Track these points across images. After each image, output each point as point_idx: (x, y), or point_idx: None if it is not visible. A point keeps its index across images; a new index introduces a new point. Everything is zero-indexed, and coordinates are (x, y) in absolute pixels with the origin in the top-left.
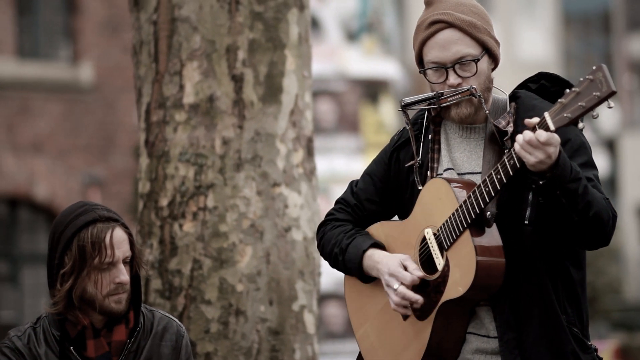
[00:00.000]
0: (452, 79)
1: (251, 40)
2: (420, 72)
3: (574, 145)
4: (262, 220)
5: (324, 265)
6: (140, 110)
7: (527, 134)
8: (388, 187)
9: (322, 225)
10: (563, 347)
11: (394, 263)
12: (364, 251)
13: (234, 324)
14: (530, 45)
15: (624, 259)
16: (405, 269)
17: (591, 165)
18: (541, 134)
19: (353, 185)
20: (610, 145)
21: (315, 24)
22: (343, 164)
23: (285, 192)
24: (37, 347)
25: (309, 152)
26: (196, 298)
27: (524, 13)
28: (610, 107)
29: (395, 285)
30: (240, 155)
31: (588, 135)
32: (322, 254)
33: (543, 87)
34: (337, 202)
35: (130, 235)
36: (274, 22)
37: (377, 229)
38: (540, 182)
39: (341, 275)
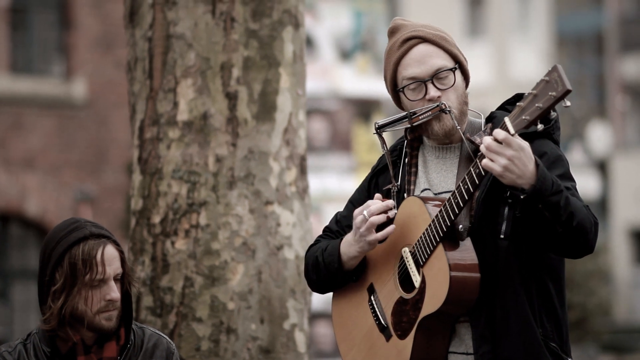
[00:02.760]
0: (432, 92)
1: (246, 58)
2: (398, 91)
3: (550, 158)
4: (254, 238)
5: None
6: (134, 126)
7: (486, 139)
8: None
9: (307, 251)
10: None
11: (353, 213)
12: (340, 242)
13: (224, 342)
14: (524, 65)
15: (614, 281)
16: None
17: (568, 177)
18: (499, 133)
19: (338, 215)
20: (602, 167)
21: (308, 42)
22: (335, 183)
23: (278, 211)
24: None
25: (302, 171)
26: (187, 315)
27: (518, 33)
28: (566, 106)
29: (363, 213)
30: (233, 173)
31: (579, 156)
32: (306, 273)
33: None
34: (323, 230)
35: (121, 252)
36: (268, 39)
37: None
38: (522, 197)
39: (331, 295)
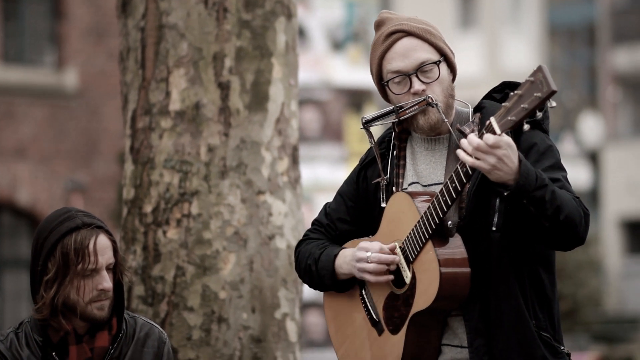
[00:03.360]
0: (417, 85)
1: (238, 48)
2: (383, 84)
3: (540, 149)
4: (246, 227)
5: None
6: (126, 116)
7: (474, 140)
8: (358, 206)
9: (297, 245)
10: (533, 353)
11: (361, 242)
12: (335, 255)
13: (216, 331)
14: (515, 56)
15: (605, 272)
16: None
17: (558, 167)
18: (488, 138)
19: (327, 206)
20: (594, 158)
21: (300, 32)
22: (327, 173)
23: (270, 200)
24: (20, 351)
25: (294, 161)
26: (179, 305)
27: (509, 24)
28: (552, 107)
29: (366, 254)
30: (225, 162)
31: (571, 147)
32: (298, 273)
33: (507, 96)
34: (312, 223)
35: (113, 242)
36: (261, 30)
37: (350, 247)
38: (505, 194)
39: None
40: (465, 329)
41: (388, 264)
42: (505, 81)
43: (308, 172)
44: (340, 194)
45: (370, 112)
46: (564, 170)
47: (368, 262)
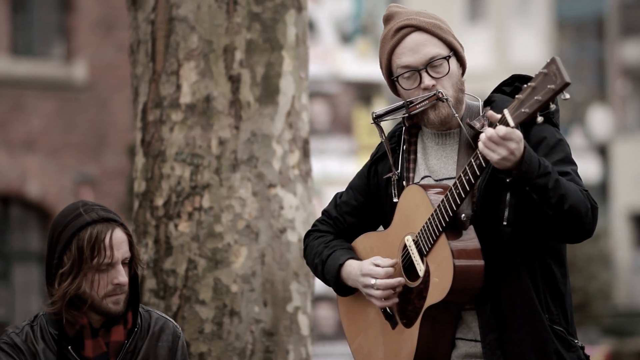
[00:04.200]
0: (427, 81)
1: (248, 41)
2: (393, 79)
3: (549, 143)
4: (258, 221)
5: None
6: (137, 109)
7: (488, 130)
8: (369, 200)
9: (306, 236)
10: (546, 347)
11: (365, 264)
12: (341, 265)
13: (228, 324)
14: (524, 49)
15: (615, 265)
16: (377, 266)
17: (568, 161)
18: (500, 129)
19: (337, 197)
20: (602, 151)
21: (309, 25)
22: (336, 166)
23: (281, 194)
24: (35, 344)
25: (305, 154)
26: (190, 298)
27: (518, 17)
28: (565, 99)
29: (372, 281)
30: (236, 155)
31: (580, 141)
32: (307, 264)
33: (517, 89)
34: (322, 213)
35: (129, 236)
36: (271, 23)
37: (362, 241)
38: (507, 180)
39: None
40: (478, 323)
41: (394, 288)
42: (515, 74)
43: (317, 165)
44: (351, 187)
45: (379, 105)
46: (574, 164)
47: (375, 290)
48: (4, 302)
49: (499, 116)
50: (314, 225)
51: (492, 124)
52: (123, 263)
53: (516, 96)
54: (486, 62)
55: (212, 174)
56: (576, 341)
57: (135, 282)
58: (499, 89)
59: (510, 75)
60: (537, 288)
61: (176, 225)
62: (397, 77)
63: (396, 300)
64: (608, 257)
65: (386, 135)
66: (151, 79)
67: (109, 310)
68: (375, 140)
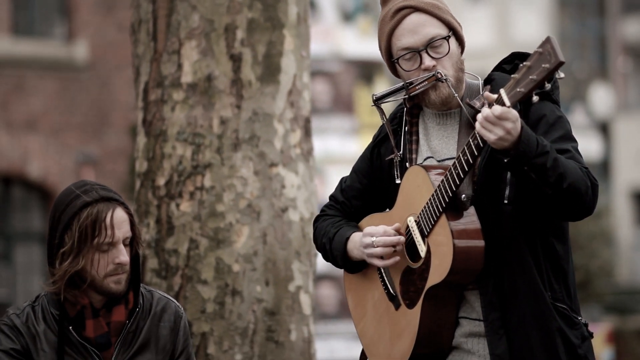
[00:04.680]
0: (427, 62)
1: (250, 20)
2: (393, 61)
3: (549, 120)
4: (259, 200)
5: None
6: (138, 89)
7: (484, 110)
8: (373, 183)
9: (315, 221)
10: (549, 325)
11: (366, 228)
12: (347, 238)
13: (230, 304)
14: (525, 27)
15: (616, 243)
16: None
17: (569, 138)
18: (496, 109)
19: (342, 182)
20: (604, 129)
21: (310, 4)
22: (337, 145)
23: (283, 173)
24: (35, 326)
25: (307, 133)
26: (192, 278)
27: None
28: (560, 78)
29: (371, 239)
30: (237, 135)
31: (581, 118)
32: (317, 248)
33: (517, 67)
34: (329, 198)
35: (130, 215)
36: (272, 1)
37: (367, 222)
38: (505, 160)
39: None
40: (480, 303)
41: (394, 246)
42: (514, 52)
43: (319, 144)
44: (355, 171)
45: (381, 84)
46: (574, 141)
47: (374, 247)
48: (5, 283)
49: (495, 96)
50: (322, 210)
51: (489, 104)
52: (124, 243)
53: (512, 75)
54: (487, 40)
55: (213, 153)
56: (579, 318)
57: (136, 261)
58: (499, 67)
59: (510, 52)
60: (539, 266)
61: (178, 205)
62: (398, 59)
63: (397, 258)
64: (609, 234)
65: (387, 117)
66: (152, 58)
67: (110, 289)
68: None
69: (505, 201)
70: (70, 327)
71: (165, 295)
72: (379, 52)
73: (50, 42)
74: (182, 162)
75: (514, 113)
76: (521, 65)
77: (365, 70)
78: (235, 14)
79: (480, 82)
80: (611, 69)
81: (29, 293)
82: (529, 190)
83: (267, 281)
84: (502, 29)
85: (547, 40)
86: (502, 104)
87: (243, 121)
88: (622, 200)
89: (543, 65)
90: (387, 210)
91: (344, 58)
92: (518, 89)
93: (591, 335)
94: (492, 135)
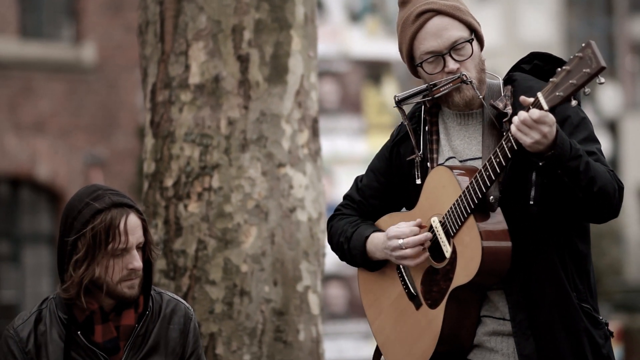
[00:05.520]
0: (451, 65)
1: (257, 21)
2: (417, 66)
3: (573, 122)
4: (267, 200)
5: (328, 246)
6: (146, 90)
7: (522, 114)
8: (391, 182)
9: (330, 220)
10: (576, 326)
11: (390, 229)
12: (366, 237)
13: (238, 304)
14: (533, 26)
15: (625, 241)
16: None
17: (593, 139)
18: (534, 112)
19: (358, 181)
20: (612, 127)
21: (318, 4)
22: (345, 145)
23: (291, 173)
24: (42, 331)
25: (314, 133)
26: (201, 278)
27: None
28: (601, 83)
29: (399, 242)
30: (245, 135)
31: (589, 116)
32: (332, 248)
33: (536, 67)
34: (344, 197)
35: (143, 220)
36: (279, 2)
37: (386, 221)
38: (540, 163)
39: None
40: (506, 303)
41: (422, 243)
42: (533, 52)
43: (327, 144)
44: (372, 170)
45: (388, 84)
46: (597, 142)
47: (403, 249)
48: (14, 285)
49: (531, 100)
50: (337, 209)
51: (526, 107)
52: (137, 247)
53: (550, 79)
54: (495, 39)
55: (221, 154)
56: (601, 318)
57: (148, 266)
58: (517, 67)
59: (519, 51)
60: (564, 266)
61: (186, 206)
62: (421, 63)
63: (427, 254)
64: (618, 232)
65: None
66: (160, 59)
67: (124, 294)
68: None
69: (531, 202)
70: (79, 332)
71: (175, 296)
72: (386, 52)
73: (58, 44)
74: (189, 163)
75: (551, 117)
76: (559, 69)
77: (373, 71)
78: (242, 15)
79: (500, 81)
80: (619, 67)
81: (37, 295)
82: (559, 193)
83: (275, 281)
84: (509, 28)
85: (588, 45)
86: (540, 107)
87: (251, 122)
88: (631, 199)
89: (584, 70)
90: (404, 209)
91: (352, 58)
92: (557, 93)
93: (612, 334)
94: (528, 138)
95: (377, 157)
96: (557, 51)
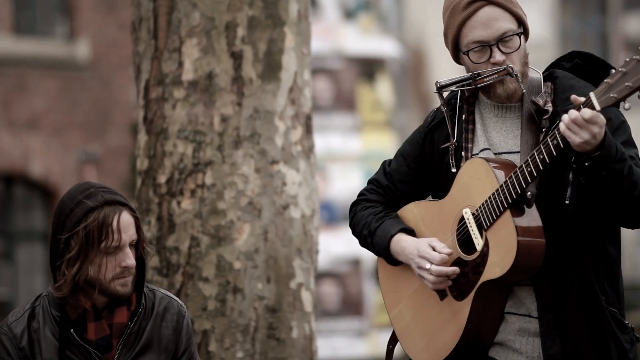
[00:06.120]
0: (498, 56)
1: (250, 17)
2: (463, 53)
3: (614, 125)
4: (260, 197)
5: (321, 243)
6: (139, 87)
7: (573, 112)
8: (422, 168)
9: (353, 205)
10: (603, 329)
11: (422, 245)
12: (392, 236)
13: (231, 301)
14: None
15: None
16: (434, 249)
17: (631, 144)
18: (585, 112)
19: (386, 165)
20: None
21: (312, 1)
22: (339, 142)
23: (284, 170)
24: (35, 329)
25: (308, 130)
26: (194, 275)
27: None
28: (626, 109)
29: (427, 265)
30: (238, 132)
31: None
32: (353, 233)
33: (577, 66)
34: (369, 182)
35: (136, 218)
36: None
37: (412, 209)
38: (586, 164)
39: (337, 253)
40: (534, 300)
41: (448, 276)
42: (574, 51)
43: (320, 142)
44: (402, 154)
45: (382, 81)
46: (635, 147)
47: (429, 274)
48: (7, 282)
49: (582, 99)
50: (361, 194)
51: (577, 107)
52: (130, 245)
53: (604, 80)
54: None
55: (214, 150)
56: (627, 322)
57: (141, 263)
58: (557, 64)
59: (570, 50)
60: (595, 269)
61: (179, 203)
62: (468, 51)
63: (449, 283)
64: None
65: (445, 104)
66: (153, 56)
67: (117, 292)
68: (378, 116)
69: (567, 202)
70: (72, 330)
71: (168, 293)
72: (380, 49)
73: (52, 41)
74: (183, 160)
75: (602, 118)
76: (614, 70)
77: (366, 68)
78: (235, 12)
79: (540, 76)
80: (613, 65)
81: (30, 292)
82: (598, 195)
83: (268, 278)
84: None
85: None
86: (592, 107)
87: (244, 119)
88: None
89: None
90: (430, 198)
91: (346, 55)
92: (611, 95)
93: (638, 339)
94: (577, 138)
95: (408, 141)
96: (551, 49)
